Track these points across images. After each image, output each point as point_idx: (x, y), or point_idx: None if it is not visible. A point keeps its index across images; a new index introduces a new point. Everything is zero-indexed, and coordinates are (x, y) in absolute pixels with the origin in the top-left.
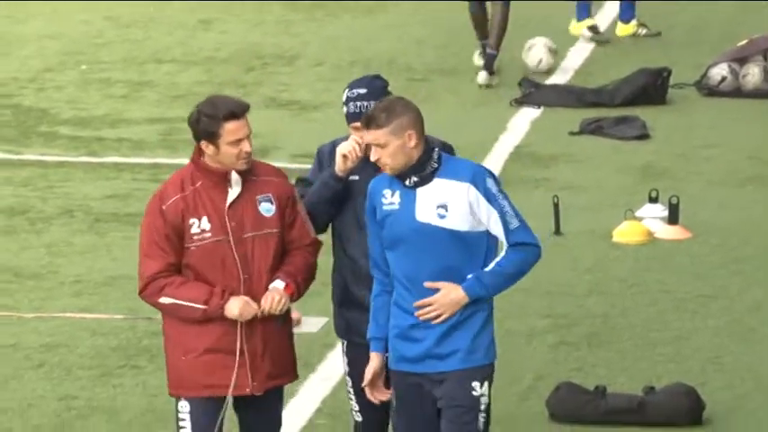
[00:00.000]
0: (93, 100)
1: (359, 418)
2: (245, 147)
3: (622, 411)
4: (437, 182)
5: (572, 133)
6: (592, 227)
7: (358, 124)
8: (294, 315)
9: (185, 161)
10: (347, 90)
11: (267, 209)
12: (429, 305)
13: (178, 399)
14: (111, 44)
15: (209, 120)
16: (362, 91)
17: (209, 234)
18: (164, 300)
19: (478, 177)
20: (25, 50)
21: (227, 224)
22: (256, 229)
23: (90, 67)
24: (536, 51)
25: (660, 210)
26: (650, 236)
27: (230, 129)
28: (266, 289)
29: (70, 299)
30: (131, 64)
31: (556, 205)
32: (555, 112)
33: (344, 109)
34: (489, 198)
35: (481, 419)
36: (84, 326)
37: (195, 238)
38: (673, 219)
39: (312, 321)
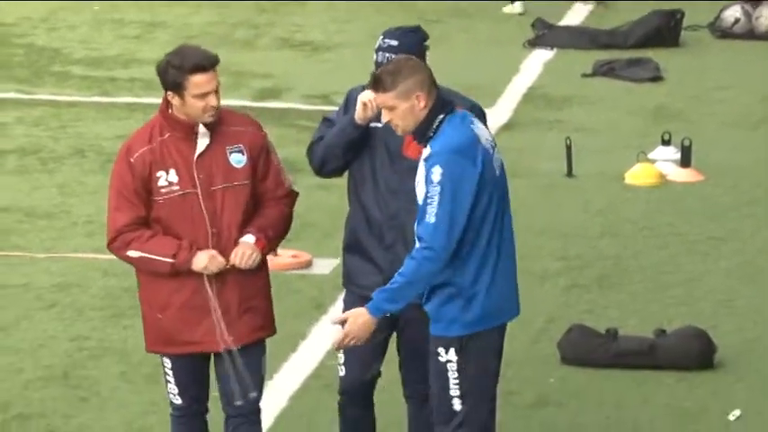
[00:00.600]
0: (106, 40)
1: (342, 372)
2: (212, 101)
3: (633, 354)
4: (425, 152)
5: (585, 75)
6: (604, 169)
7: None
8: (305, 257)
9: None
10: (381, 37)
11: (238, 160)
12: (344, 338)
13: (159, 355)
14: None
15: (175, 71)
16: (394, 43)
17: (176, 187)
18: (131, 253)
19: (431, 159)
20: None
21: (195, 176)
22: (226, 180)
23: (102, 8)
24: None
25: (672, 152)
26: (662, 178)
27: (196, 81)
28: (236, 243)
29: (82, 239)
30: (143, 4)
31: (568, 147)
32: (568, 54)
33: (374, 56)
34: (427, 180)
35: (452, 382)
36: (96, 266)
37: (163, 191)
38: (685, 161)
39: (324, 263)
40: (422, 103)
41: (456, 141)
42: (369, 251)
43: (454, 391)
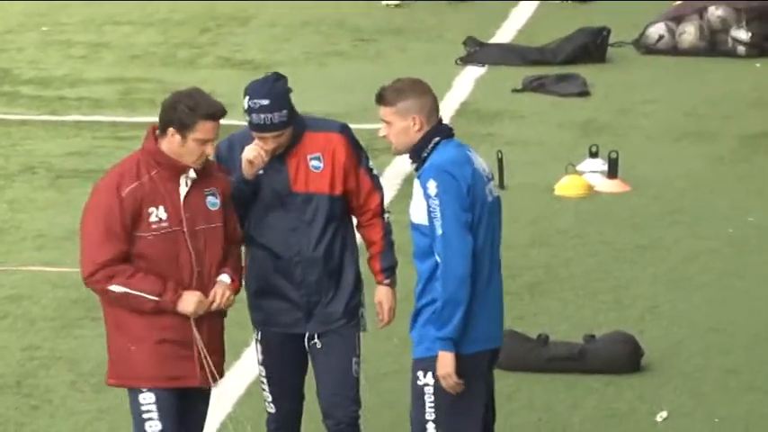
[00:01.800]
0: (54, 60)
1: (272, 409)
2: (208, 149)
3: (564, 359)
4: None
5: (515, 90)
6: (534, 180)
7: (265, 135)
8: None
9: (143, 120)
10: (248, 98)
11: (213, 203)
12: (448, 386)
13: (134, 390)
14: (70, 6)
15: (188, 111)
16: (265, 102)
17: (165, 224)
18: (114, 288)
19: (423, 174)
20: None
21: (183, 215)
22: (207, 222)
23: (50, 29)
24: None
25: (600, 164)
26: (590, 189)
27: (205, 128)
28: (213, 283)
29: (32, 252)
30: (90, 25)
31: (500, 160)
32: (498, 70)
33: (247, 117)
34: (424, 196)
35: (428, 406)
36: (46, 279)
37: (153, 227)
38: (612, 173)
39: None
40: (416, 126)
41: (447, 157)
42: (283, 292)
43: (429, 414)
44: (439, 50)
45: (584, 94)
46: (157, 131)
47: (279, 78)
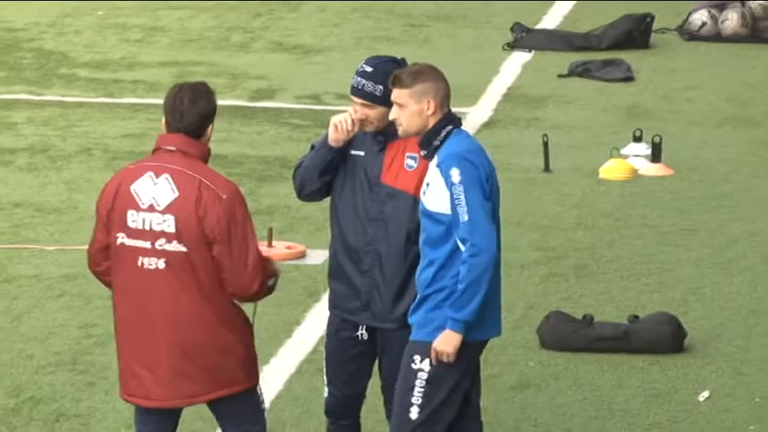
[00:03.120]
0: (110, 44)
1: (327, 392)
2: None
3: (609, 339)
4: (435, 159)
5: (561, 75)
6: (579, 164)
7: (355, 98)
8: (299, 248)
9: None
10: (362, 62)
11: None
12: (437, 355)
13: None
14: None
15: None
16: (368, 69)
17: None
18: (271, 282)
19: (444, 163)
20: None
21: None
22: None
23: (106, 13)
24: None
25: (644, 148)
26: (634, 173)
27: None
28: None
29: (89, 232)
30: (145, 9)
31: (545, 144)
32: (545, 56)
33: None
34: (447, 184)
35: (417, 390)
36: None
37: None
38: (656, 157)
39: (316, 254)
40: (430, 110)
41: (467, 145)
42: (348, 276)
43: (416, 399)
44: (486, 36)
45: (629, 79)
46: (196, 133)
47: (397, 60)
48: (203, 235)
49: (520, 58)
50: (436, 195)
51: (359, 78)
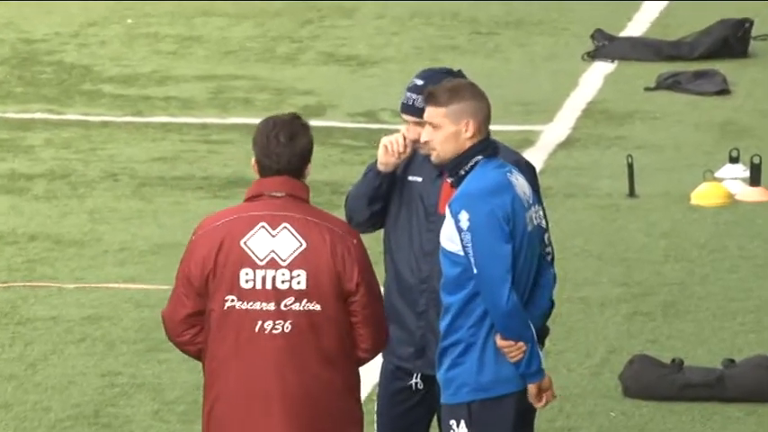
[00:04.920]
0: (139, 56)
1: None
2: None
3: (700, 386)
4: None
5: (648, 89)
6: (668, 188)
7: (407, 117)
8: None
9: (236, 121)
10: (413, 77)
11: None
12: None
13: None
14: None
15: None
16: (420, 83)
17: None
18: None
19: (456, 203)
20: (68, 3)
21: None
22: None
23: (136, 21)
24: None
25: (741, 170)
26: (731, 198)
27: None
28: None
29: (114, 268)
30: (179, 17)
31: (630, 165)
32: (630, 66)
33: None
34: (457, 229)
35: None
36: (128, 297)
37: None
38: (755, 179)
39: None
40: (469, 133)
41: (484, 184)
42: (402, 318)
43: None
44: (563, 45)
45: (724, 92)
46: (298, 174)
47: (452, 72)
48: (339, 289)
49: (601, 69)
50: (449, 233)
51: (410, 94)
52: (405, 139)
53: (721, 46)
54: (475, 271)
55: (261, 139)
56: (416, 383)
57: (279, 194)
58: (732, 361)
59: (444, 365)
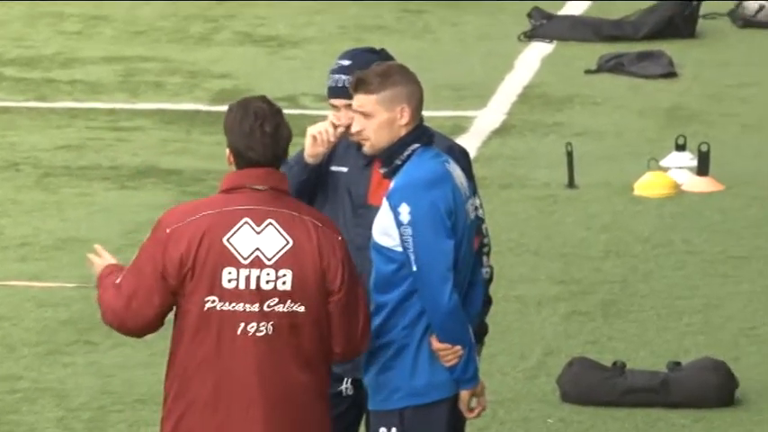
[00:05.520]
0: (42, 36)
1: None
2: None
3: (644, 390)
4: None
5: (588, 71)
6: (610, 178)
7: (336, 101)
8: None
9: (147, 106)
10: (336, 59)
11: None
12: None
13: None
14: None
15: None
16: (346, 63)
17: None
18: None
19: (395, 196)
20: None
21: None
22: None
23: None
24: None
25: (688, 158)
26: (676, 188)
27: None
28: None
29: (14, 264)
30: None
31: (569, 154)
32: (569, 47)
33: (327, 80)
34: (396, 223)
35: None
36: (30, 296)
37: None
38: (702, 169)
39: None
40: (404, 119)
41: (423, 174)
42: None
43: None
44: (498, 24)
45: (670, 75)
46: (279, 165)
47: (379, 52)
48: (324, 288)
49: (539, 50)
50: (383, 226)
51: (336, 75)
52: (334, 126)
53: (667, 25)
54: (414, 268)
55: (242, 131)
56: (346, 389)
57: (261, 188)
58: (678, 364)
59: (374, 369)
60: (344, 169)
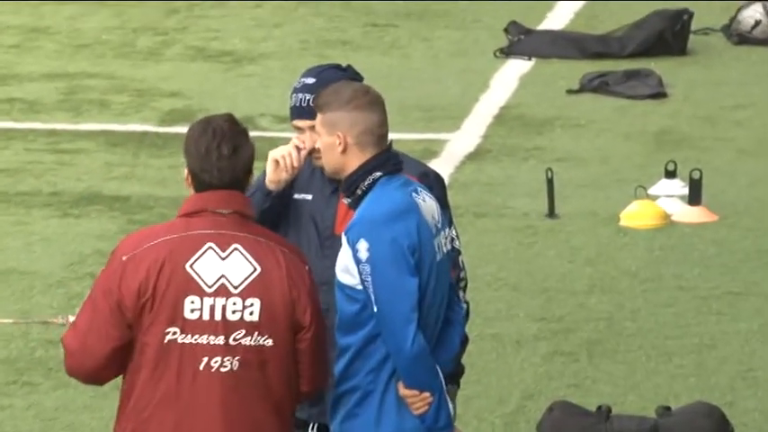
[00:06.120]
0: None
1: None
2: None
3: None
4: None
5: (570, 91)
6: (594, 208)
7: (299, 122)
8: None
9: (90, 127)
10: (298, 78)
11: None
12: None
13: None
14: None
15: None
16: (310, 81)
17: None
18: None
19: (353, 230)
20: None
21: None
22: None
23: None
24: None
25: (679, 186)
26: (666, 219)
27: None
28: None
29: None
30: (24, 5)
31: (550, 181)
32: (549, 65)
33: (290, 99)
34: (354, 260)
35: None
36: None
37: None
38: (694, 197)
39: None
40: (339, 148)
41: (385, 207)
42: None
43: None
44: (472, 39)
45: (660, 95)
46: (242, 187)
47: (346, 69)
48: (293, 322)
49: (517, 68)
50: (347, 265)
51: (300, 95)
52: (298, 150)
53: (656, 41)
54: (375, 309)
55: (198, 151)
56: None
57: (225, 211)
58: (668, 409)
59: (338, 416)
60: (309, 197)
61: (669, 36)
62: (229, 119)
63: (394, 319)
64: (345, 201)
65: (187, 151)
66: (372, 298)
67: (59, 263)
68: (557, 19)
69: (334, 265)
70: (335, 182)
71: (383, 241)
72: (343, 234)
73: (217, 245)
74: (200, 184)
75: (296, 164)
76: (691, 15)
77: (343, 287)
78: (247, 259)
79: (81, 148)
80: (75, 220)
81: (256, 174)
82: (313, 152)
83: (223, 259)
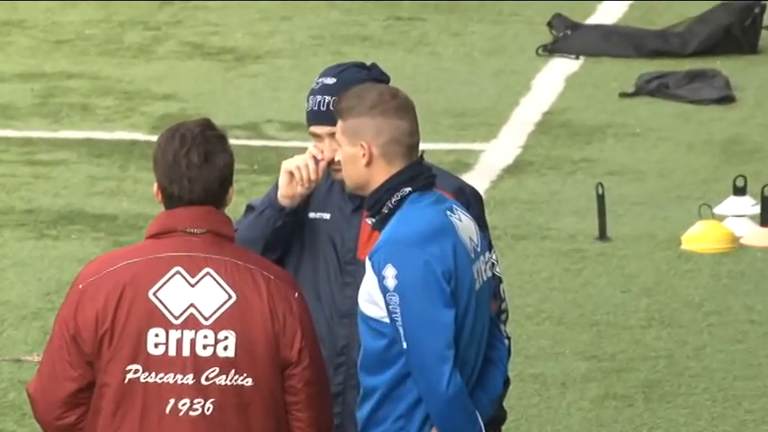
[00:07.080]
0: None
1: None
2: None
3: None
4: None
5: (624, 94)
6: (652, 229)
7: (317, 128)
8: None
9: (70, 135)
10: (316, 78)
11: None
12: None
13: None
14: None
15: None
16: (330, 81)
17: None
18: None
19: (378, 254)
20: None
21: None
22: None
23: None
24: None
25: (749, 204)
26: (735, 242)
27: None
28: None
29: None
30: None
31: (601, 197)
32: (600, 65)
33: (305, 103)
34: (381, 288)
35: None
36: None
37: None
38: (766, 217)
39: None
40: (364, 159)
41: (416, 227)
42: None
43: None
44: (511, 35)
45: (727, 99)
46: (218, 202)
47: (370, 68)
48: (277, 356)
49: (562, 67)
50: (372, 294)
51: (319, 97)
52: (316, 161)
53: (723, 38)
54: (405, 345)
55: (164, 160)
56: None
57: (197, 231)
58: None
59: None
60: (327, 216)
61: (737, 32)
62: (203, 122)
63: (426, 357)
64: (369, 221)
65: (155, 162)
66: (401, 332)
67: (35, 292)
68: (608, 12)
69: (356, 295)
70: (357, 199)
71: (414, 267)
72: (367, 259)
73: (185, 269)
74: (169, 199)
75: (313, 177)
76: (763, 9)
77: (368, 319)
78: (221, 285)
79: (60, 159)
80: (52, 242)
81: (245, 187)
82: (332, 164)
83: (192, 286)
